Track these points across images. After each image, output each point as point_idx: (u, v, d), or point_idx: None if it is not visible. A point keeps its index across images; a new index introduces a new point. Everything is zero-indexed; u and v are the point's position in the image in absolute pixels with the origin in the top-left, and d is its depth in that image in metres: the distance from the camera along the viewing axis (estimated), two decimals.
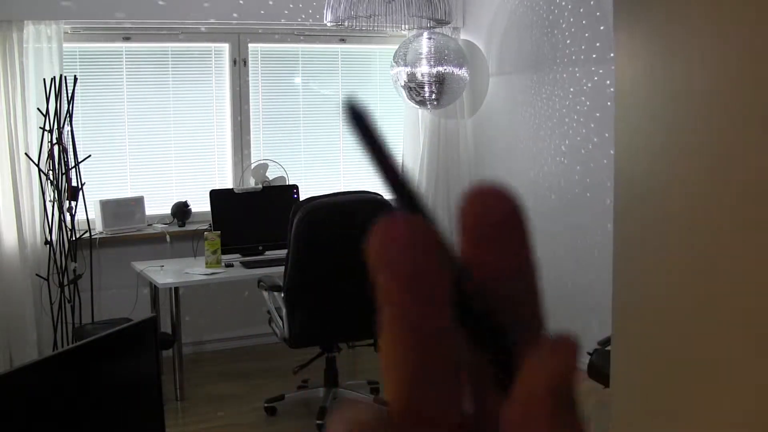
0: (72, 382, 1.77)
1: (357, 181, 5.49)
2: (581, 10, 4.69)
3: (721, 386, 1.31)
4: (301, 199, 4.61)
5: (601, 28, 4.57)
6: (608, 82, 4.53)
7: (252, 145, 5.44)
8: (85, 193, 4.67)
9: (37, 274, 4.65)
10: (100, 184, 4.95)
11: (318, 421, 3.97)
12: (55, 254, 4.65)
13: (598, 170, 4.62)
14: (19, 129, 4.64)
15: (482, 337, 0.26)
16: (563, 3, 4.82)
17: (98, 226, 4.89)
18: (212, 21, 5.13)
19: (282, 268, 3.93)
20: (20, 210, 4.65)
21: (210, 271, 4.47)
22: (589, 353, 3.42)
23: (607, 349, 3.15)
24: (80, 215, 4.68)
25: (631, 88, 1.55)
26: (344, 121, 0.26)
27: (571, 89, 4.80)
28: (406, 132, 5.71)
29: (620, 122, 1.61)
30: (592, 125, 4.67)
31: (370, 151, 0.26)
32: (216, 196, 4.84)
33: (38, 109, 4.63)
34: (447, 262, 0.25)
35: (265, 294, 4.13)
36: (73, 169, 4.63)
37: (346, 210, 3.83)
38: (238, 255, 4.74)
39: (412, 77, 5.27)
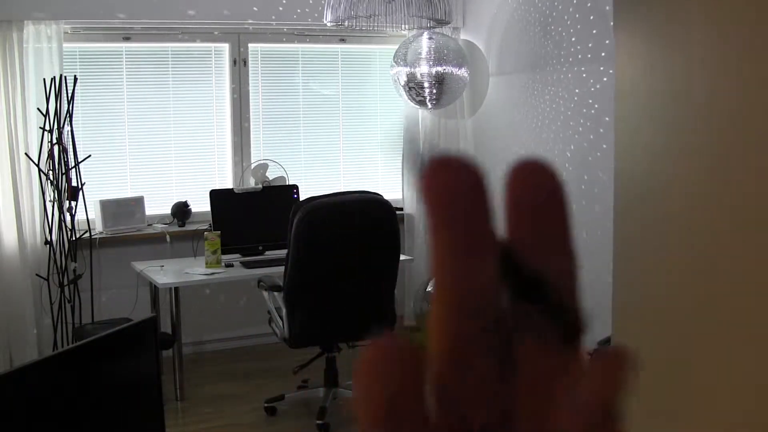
0: (72, 382, 1.77)
1: (357, 181, 5.49)
2: (581, 10, 4.69)
3: (721, 386, 1.31)
4: (301, 199, 4.61)
5: (601, 28, 4.57)
6: (608, 82, 4.53)
7: (252, 145, 5.44)
8: (85, 193, 4.67)
9: (37, 274, 4.65)
10: (100, 184, 4.95)
11: (318, 421, 3.97)
12: (55, 254, 4.65)
13: (598, 170, 4.62)
14: (19, 129, 4.64)
15: (530, 289, 0.26)
16: (563, 3, 4.82)
17: (98, 226, 4.89)
18: (212, 21, 5.13)
19: (282, 268, 3.93)
20: (20, 210, 4.65)
21: (210, 271, 4.47)
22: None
23: None
24: (80, 215, 4.68)
25: (631, 88, 1.55)
26: None
27: (571, 89, 4.80)
28: (405, 132, 5.71)
29: (620, 122, 1.61)
30: (592, 125, 4.67)
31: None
32: (216, 196, 4.84)
33: (38, 109, 4.63)
34: (491, 215, 0.26)
35: (265, 294, 4.13)
36: (73, 169, 4.63)
37: (346, 210, 3.83)
38: (238, 255, 4.74)
39: (412, 77, 5.27)
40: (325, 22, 4.56)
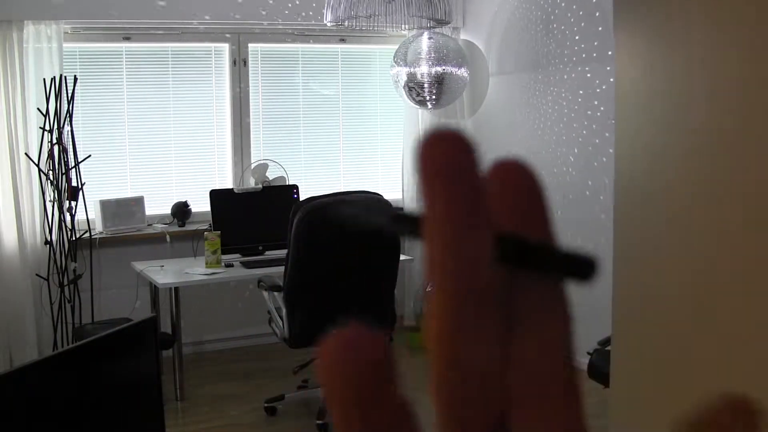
0: (72, 382, 1.77)
1: (357, 181, 5.49)
2: (581, 10, 4.68)
3: (721, 386, 1.30)
4: (301, 199, 4.61)
5: (601, 28, 4.57)
6: (608, 81, 4.53)
7: (252, 145, 5.44)
8: (85, 193, 4.67)
9: (37, 274, 4.65)
10: (100, 184, 4.95)
11: (318, 421, 3.97)
12: (55, 254, 4.65)
13: (598, 169, 4.62)
14: (19, 129, 4.64)
15: (528, 254, 0.26)
16: (563, 3, 4.81)
17: (98, 226, 4.89)
18: (212, 21, 5.13)
19: (282, 268, 3.93)
20: (20, 210, 4.65)
21: (210, 271, 4.47)
22: (589, 353, 3.42)
23: (607, 349, 3.14)
24: (80, 215, 4.68)
25: (631, 88, 1.55)
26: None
27: (571, 89, 4.80)
28: (406, 132, 5.71)
29: (620, 122, 1.61)
30: (592, 125, 4.67)
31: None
32: (216, 196, 4.84)
33: (38, 109, 4.63)
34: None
35: (265, 294, 4.13)
36: (73, 169, 4.63)
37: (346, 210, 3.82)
38: (238, 255, 4.74)
39: (412, 77, 5.27)
40: (325, 22, 4.56)
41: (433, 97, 5.30)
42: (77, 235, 4.68)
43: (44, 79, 4.64)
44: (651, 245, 1.50)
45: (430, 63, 5.24)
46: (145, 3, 4.92)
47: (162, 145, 5.25)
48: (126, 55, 5.11)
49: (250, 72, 5.40)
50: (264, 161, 5.31)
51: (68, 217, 4.64)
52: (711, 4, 1.32)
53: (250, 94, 5.42)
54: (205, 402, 4.43)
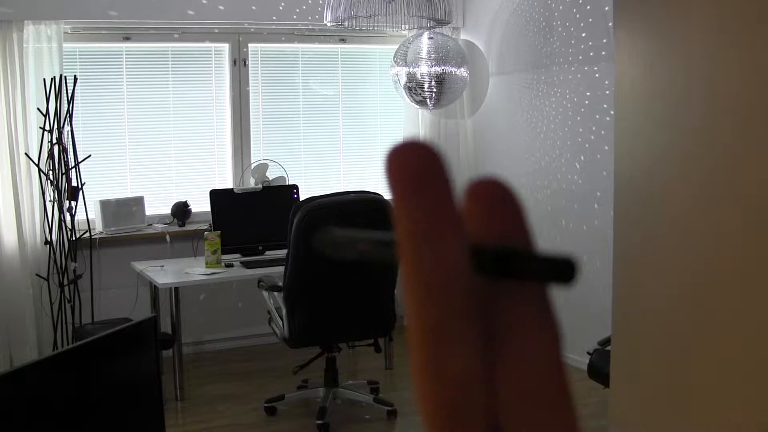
0: (72, 382, 1.77)
1: (357, 181, 5.49)
2: (581, 9, 4.68)
3: (720, 386, 1.30)
4: (301, 199, 4.61)
5: (601, 27, 4.56)
6: (608, 81, 4.52)
7: (252, 145, 5.44)
8: (85, 193, 4.67)
9: (37, 274, 4.65)
10: (100, 184, 4.95)
11: (318, 421, 3.97)
12: (55, 254, 4.65)
13: (598, 169, 4.61)
14: (19, 129, 4.64)
15: (506, 261, 0.26)
16: (563, 3, 4.81)
17: (98, 226, 4.89)
18: (212, 21, 5.13)
19: (282, 268, 3.93)
20: (20, 210, 4.65)
21: (210, 271, 4.47)
22: (589, 353, 3.41)
23: (607, 349, 3.14)
24: (80, 215, 4.68)
25: (631, 88, 1.55)
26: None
27: (571, 89, 4.79)
28: (406, 132, 5.71)
29: (620, 122, 1.61)
30: (592, 125, 4.67)
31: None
32: (216, 196, 4.84)
33: (38, 109, 4.63)
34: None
35: (265, 294, 4.13)
36: (73, 169, 4.63)
37: (346, 210, 3.83)
38: (238, 255, 4.74)
39: (412, 77, 5.27)
40: (325, 22, 4.56)
41: (433, 97, 5.30)
42: (77, 235, 4.68)
43: (44, 79, 4.64)
44: (651, 245, 1.50)
45: (430, 63, 5.24)
46: (145, 3, 4.92)
47: (162, 145, 5.25)
48: (126, 55, 5.11)
49: (250, 72, 5.40)
50: (264, 161, 5.31)
51: (68, 217, 4.64)
52: (711, 4, 1.32)
53: (250, 94, 5.42)
54: (205, 402, 4.43)
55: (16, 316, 4.64)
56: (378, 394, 4.32)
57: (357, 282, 3.88)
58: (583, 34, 4.67)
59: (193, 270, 4.51)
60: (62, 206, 4.62)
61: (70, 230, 4.64)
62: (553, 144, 4.95)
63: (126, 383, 1.96)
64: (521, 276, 0.26)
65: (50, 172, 4.60)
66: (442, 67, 5.25)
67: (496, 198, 0.27)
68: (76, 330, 4.56)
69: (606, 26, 4.50)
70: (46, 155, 4.60)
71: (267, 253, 4.79)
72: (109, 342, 1.89)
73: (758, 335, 1.23)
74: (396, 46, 5.38)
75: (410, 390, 4.57)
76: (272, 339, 4.39)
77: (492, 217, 0.27)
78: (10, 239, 4.65)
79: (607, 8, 4.45)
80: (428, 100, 5.31)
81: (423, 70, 5.24)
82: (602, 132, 4.58)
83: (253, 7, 5.20)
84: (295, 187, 5.07)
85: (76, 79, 4.67)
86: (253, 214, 4.85)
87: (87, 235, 4.75)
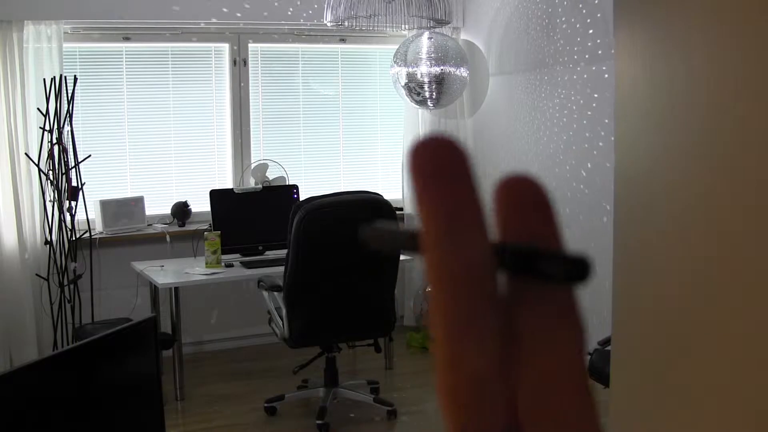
0: (72, 382, 1.77)
1: (357, 181, 5.49)
2: (581, 10, 4.67)
3: (721, 387, 1.30)
4: (301, 199, 4.61)
5: (601, 28, 4.55)
6: (608, 81, 4.52)
7: (252, 145, 5.44)
8: (85, 193, 4.67)
9: (37, 274, 4.65)
10: (100, 184, 4.95)
11: (318, 421, 3.97)
12: (55, 254, 4.65)
13: (598, 169, 4.61)
14: (19, 129, 4.64)
15: (528, 260, 0.26)
16: (563, 3, 4.80)
17: (98, 226, 4.89)
18: (212, 21, 5.13)
19: (282, 268, 3.93)
20: (20, 210, 4.65)
21: (210, 271, 4.47)
22: (589, 353, 3.42)
23: (607, 349, 3.15)
24: (80, 215, 4.68)
25: (631, 88, 1.55)
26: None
27: (571, 89, 4.78)
28: (406, 132, 5.71)
29: (620, 122, 1.61)
30: (593, 125, 4.66)
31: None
32: (216, 196, 4.84)
33: (38, 109, 4.63)
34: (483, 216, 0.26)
35: (265, 294, 4.13)
36: (73, 169, 4.63)
37: (346, 210, 3.83)
38: (238, 255, 4.74)
39: (412, 77, 5.27)
40: (325, 22, 4.56)
41: (433, 97, 5.30)
42: (77, 235, 4.68)
43: (44, 79, 4.64)
44: (651, 245, 1.50)
45: (430, 63, 5.24)
46: (145, 3, 4.92)
47: (162, 145, 5.25)
48: (126, 55, 5.11)
49: (250, 72, 5.40)
50: (264, 161, 5.31)
51: (68, 217, 4.64)
52: (711, 4, 1.32)
53: (250, 94, 5.42)
54: (205, 402, 4.43)
55: (16, 316, 4.64)
56: (378, 394, 4.32)
57: (357, 282, 3.88)
58: (590, 31, 4.60)
59: (193, 270, 4.51)
60: (62, 206, 4.62)
61: (70, 230, 4.65)
62: (553, 143, 4.94)
63: (126, 383, 1.96)
64: (540, 275, 0.26)
65: (50, 172, 4.60)
66: (442, 67, 5.25)
67: (528, 196, 0.27)
68: (76, 330, 4.56)
69: (606, 26, 4.49)
70: (46, 155, 4.60)
71: (267, 253, 4.79)
72: (109, 342, 1.89)
73: (759, 335, 1.23)
74: (396, 46, 5.38)
75: (410, 390, 4.58)
76: (272, 339, 4.39)
77: (524, 215, 0.27)
78: (10, 239, 4.65)
79: (607, 8, 4.44)
80: (428, 100, 5.31)
81: (423, 70, 5.24)
82: (602, 131, 4.55)
83: (254, 8, 5.20)
84: (295, 187, 5.07)
85: (76, 79, 4.67)
86: (253, 214, 4.85)
87: (87, 235, 4.75)
